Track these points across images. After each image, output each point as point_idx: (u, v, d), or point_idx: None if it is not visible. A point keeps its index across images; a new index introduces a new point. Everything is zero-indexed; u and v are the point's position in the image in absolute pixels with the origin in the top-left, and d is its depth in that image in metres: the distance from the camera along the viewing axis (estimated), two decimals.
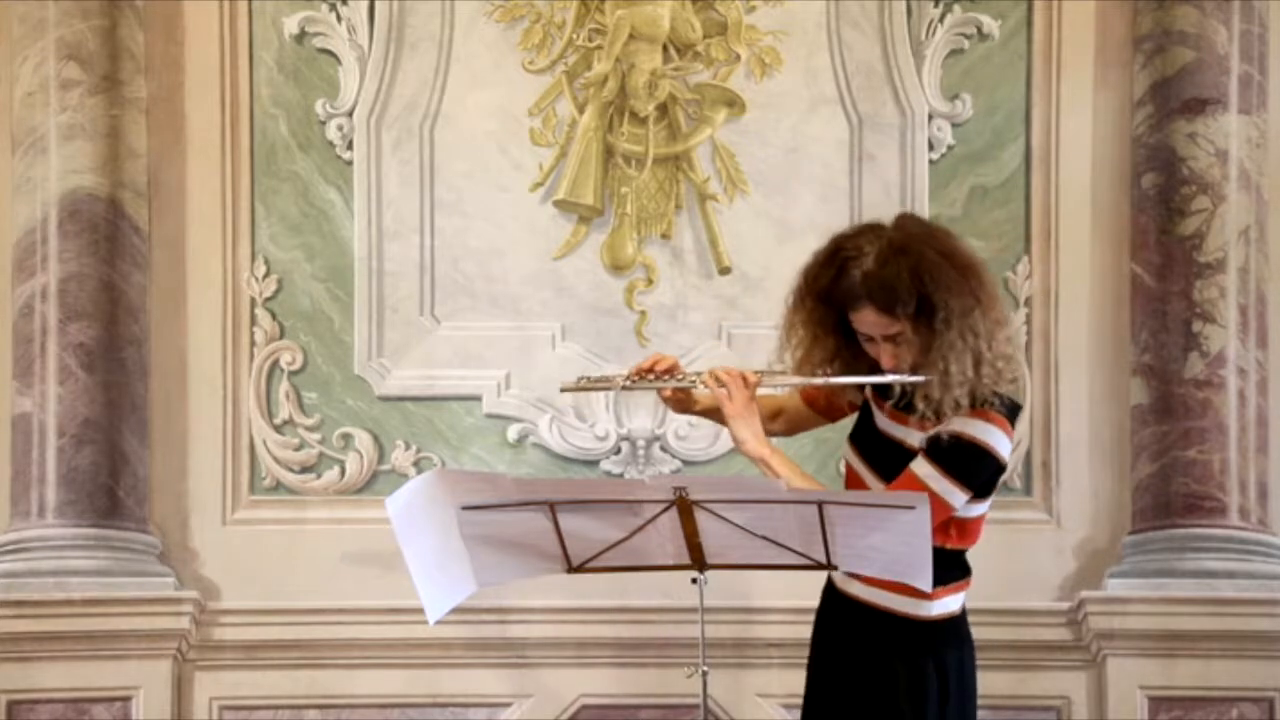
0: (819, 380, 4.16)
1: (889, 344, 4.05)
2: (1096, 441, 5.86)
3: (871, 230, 4.08)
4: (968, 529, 4.15)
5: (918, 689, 4.11)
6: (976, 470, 4.04)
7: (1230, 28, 5.74)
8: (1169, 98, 5.74)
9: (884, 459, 4.14)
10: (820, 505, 3.94)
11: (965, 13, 5.90)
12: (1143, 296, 5.77)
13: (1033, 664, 5.69)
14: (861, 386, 4.20)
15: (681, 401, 4.32)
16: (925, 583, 3.95)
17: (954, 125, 5.89)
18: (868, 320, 4.04)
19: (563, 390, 4.42)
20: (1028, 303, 5.87)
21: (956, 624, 4.18)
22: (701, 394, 4.28)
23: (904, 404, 4.10)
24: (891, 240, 4.02)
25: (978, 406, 4.02)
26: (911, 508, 3.89)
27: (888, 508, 3.91)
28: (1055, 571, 5.82)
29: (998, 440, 4.04)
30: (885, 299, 3.99)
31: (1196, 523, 5.67)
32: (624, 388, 4.27)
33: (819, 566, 4.05)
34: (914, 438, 4.09)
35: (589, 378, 4.40)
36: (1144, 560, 5.70)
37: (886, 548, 3.95)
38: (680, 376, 4.25)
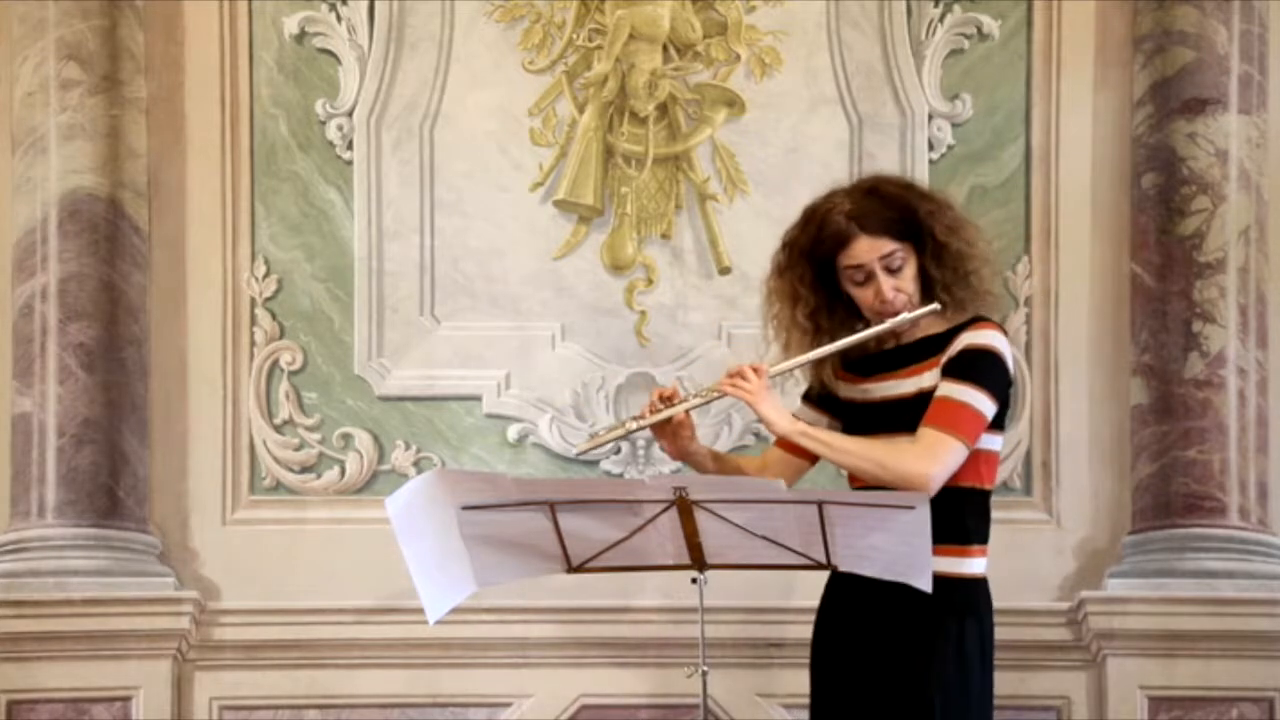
0: (828, 348, 4.16)
1: (887, 275, 4.11)
2: (1096, 441, 5.86)
3: (836, 189, 4.22)
4: (992, 463, 4.18)
5: (960, 652, 4.10)
6: (998, 376, 4.11)
7: (1230, 28, 5.74)
8: (1169, 98, 5.74)
9: (891, 420, 4.14)
10: (820, 505, 3.94)
11: (965, 13, 5.90)
12: (1143, 296, 5.77)
13: (1033, 664, 5.69)
14: (840, 404, 4.22)
15: (680, 440, 4.25)
16: (925, 583, 3.95)
17: (954, 125, 5.89)
18: (862, 251, 4.10)
19: (577, 454, 4.42)
20: (1028, 303, 5.87)
21: (987, 585, 4.20)
22: (716, 407, 4.28)
23: (908, 357, 4.13)
24: (859, 183, 4.20)
25: (975, 319, 4.13)
26: (911, 508, 3.89)
27: (888, 508, 3.92)
28: (1055, 571, 5.82)
29: (1003, 345, 4.13)
30: (880, 219, 4.09)
31: (1196, 523, 5.67)
32: (638, 429, 4.19)
33: (819, 566, 4.05)
34: (907, 385, 4.13)
35: (600, 431, 4.38)
36: (1144, 560, 5.70)
37: (886, 547, 3.95)
38: (690, 397, 4.20)
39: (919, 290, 4.14)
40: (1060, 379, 5.87)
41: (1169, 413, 5.70)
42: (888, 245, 4.10)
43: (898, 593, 4.02)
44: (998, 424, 4.17)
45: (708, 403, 4.23)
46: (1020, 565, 5.71)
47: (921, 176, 5.84)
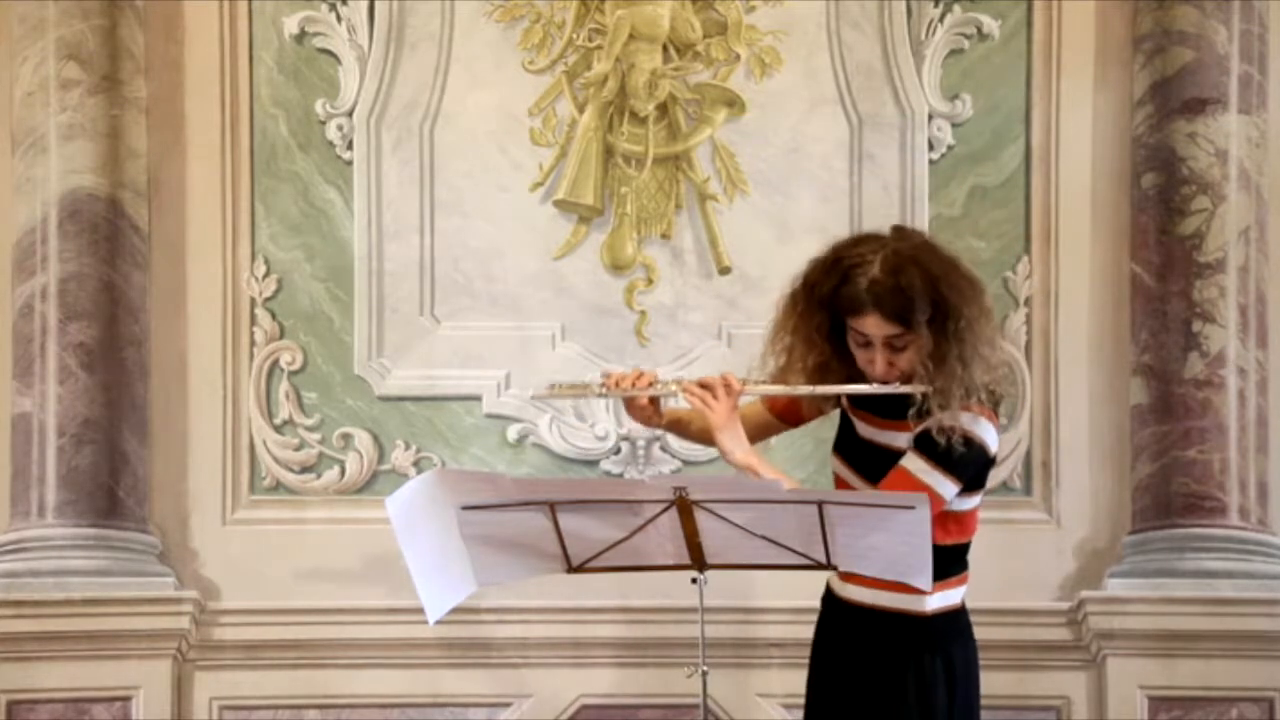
0: (804, 390, 4.14)
1: (887, 350, 4.06)
2: (1096, 441, 5.86)
3: (872, 239, 4.11)
4: (964, 522, 4.15)
5: (924, 686, 4.11)
6: (966, 461, 4.04)
7: (1230, 28, 5.74)
8: (1169, 98, 5.74)
9: (871, 465, 4.14)
10: (820, 505, 3.94)
11: (965, 13, 5.90)
12: (1143, 296, 5.77)
13: (1033, 664, 5.69)
14: (836, 398, 4.21)
15: (645, 411, 4.28)
16: (925, 582, 3.96)
17: (954, 125, 5.89)
18: (870, 325, 4.04)
19: (533, 397, 4.42)
20: (1028, 303, 5.87)
21: (957, 618, 4.19)
22: (695, 418, 4.27)
23: (894, 410, 4.10)
24: (898, 249, 4.05)
25: (975, 401, 4.05)
26: (911, 508, 3.89)
27: (887, 508, 3.91)
28: (1055, 571, 5.82)
29: (985, 431, 4.06)
30: (896, 305, 4.00)
31: (1196, 523, 5.67)
32: (599, 395, 4.26)
33: (819, 566, 4.05)
34: (901, 440, 4.10)
35: (563, 384, 4.40)
36: (1144, 560, 5.70)
37: (886, 547, 3.95)
38: (659, 385, 4.22)
39: (931, 361, 4.05)
40: (1060, 379, 5.87)
41: (1169, 413, 5.70)
42: (896, 330, 4.04)
43: (873, 623, 4.10)
44: (976, 485, 4.13)
45: (669, 395, 4.23)
46: (1020, 565, 5.71)
47: (921, 176, 5.85)
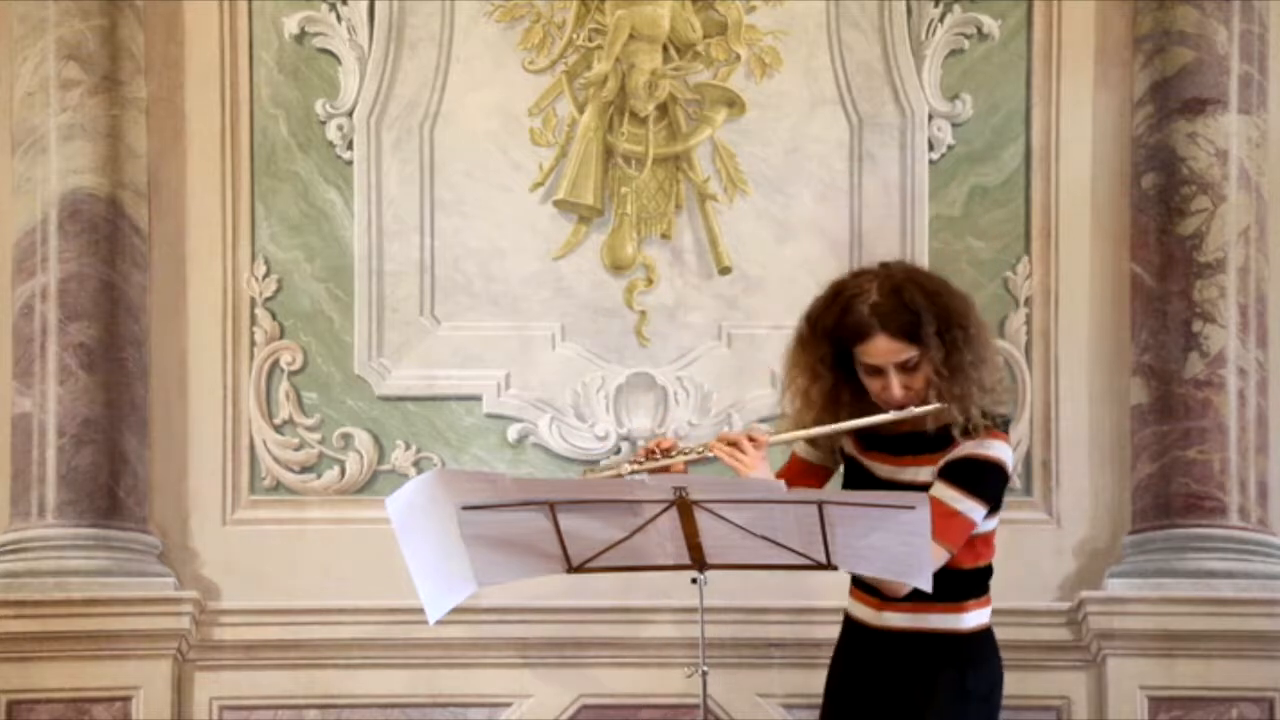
0: (827, 429, 4.18)
1: (900, 373, 4.11)
2: (1096, 441, 5.86)
3: (867, 271, 4.21)
4: (991, 544, 4.23)
5: (961, 700, 4.16)
6: (993, 485, 4.14)
7: (1230, 28, 5.73)
8: (1169, 98, 5.74)
9: None
10: (820, 505, 3.94)
11: (965, 13, 5.90)
12: (1143, 296, 5.77)
13: (1033, 664, 5.69)
14: (842, 449, 4.27)
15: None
16: (925, 582, 3.96)
17: (954, 125, 5.89)
18: (879, 349, 4.10)
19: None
20: (1028, 303, 5.87)
21: (990, 636, 4.25)
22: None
23: (913, 447, 4.15)
24: (892, 274, 4.16)
25: (985, 426, 4.14)
26: (911, 508, 3.89)
27: (887, 508, 3.92)
28: (1055, 571, 5.82)
29: (1005, 454, 4.16)
30: (902, 322, 4.08)
31: (1196, 523, 5.67)
32: (633, 474, 4.19)
33: (819, 566, 4.05)
34: (925, 474, 4.15)
35: (595, 469, 4.38)
36: (1144, 560, 5.70)
37: (886, 547, 3.95)
38: (686, 450, 4.23)
39: (928, 386, 4.13)
40: (1060, 379, 5.87)
41: (1169, 413, 5.70)
42: (907, 352, 4.10)
43: (914, 647, 4.15)
44: (997, 506, 4.19)
45: (700, 459, 4.23)
46: (1020, 565, 5.70)
47: (921, 176, 5.85)
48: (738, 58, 5.89)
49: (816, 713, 4.34)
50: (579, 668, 5.75)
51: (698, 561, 4.08)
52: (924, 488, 4.12)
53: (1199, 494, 5.67)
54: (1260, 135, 5.77)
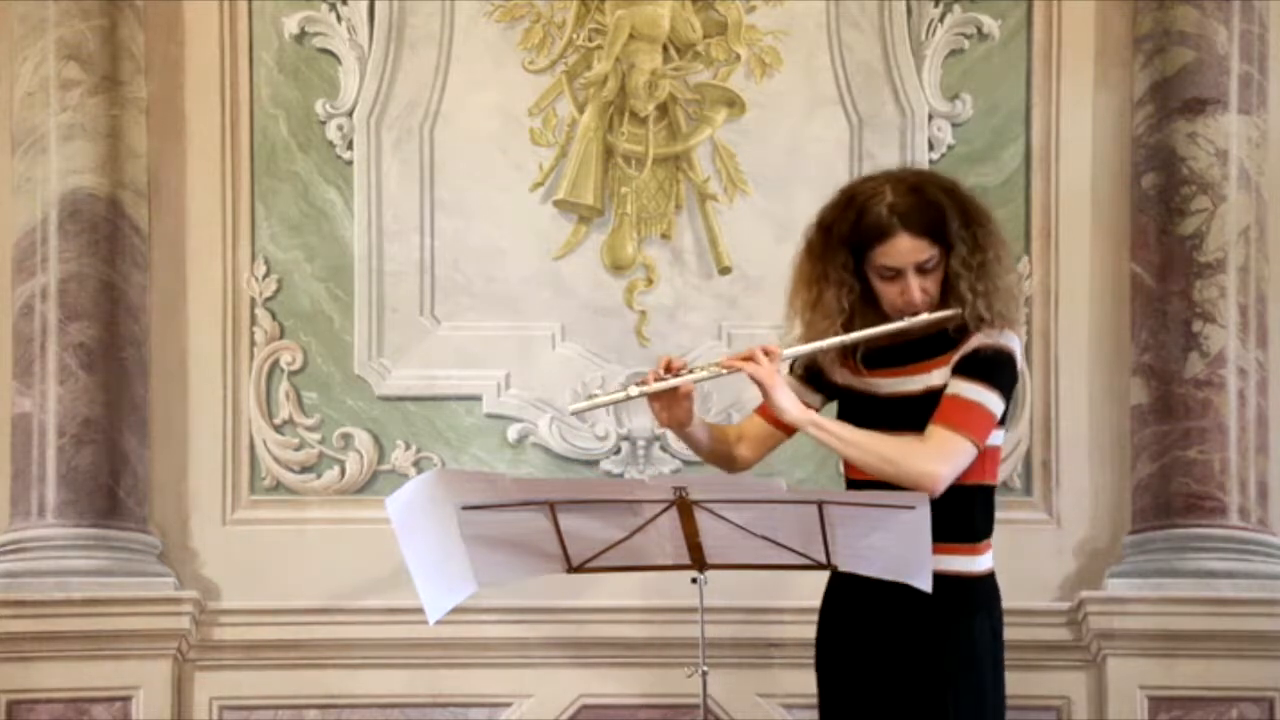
0: (845, 338, 4.09)
1: (918, 275, 4.05)
2: (1096, 441, 5.87)
3: (876, 175, 4.14)
4: (996, 459, 4.16)
5: (972, 645, 4.09)
6: (1009, 376, 4.07)
7: (1230, 28, 5.74)
8: (1169, 98, 5.74)
9: (907, 417, 4.09)
10: (820, 505, 3.94)
11: (965, 13, 5.90)
12: (1143, 296, 5.78)
13: (1033, 664, 5.69)
14: (834, 383, 4.18)
15: (678, 413, 4.16)
16: (925, 583, 3.95)
17: (954, 125, 5.89)
18: (900, 250, 4.03)
19: (573, 411, 4.36)
20: (1028, 303, 5.87)
21: (995, 580, 4.18)
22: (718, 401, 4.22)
23: (920, 352, 4.09)
24: (904, 176, 4.11)
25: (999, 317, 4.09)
26: (911, 508, 3.89)
27: (888, 508, 3.91)
28: (1055, 571, 5.82)
29: (1016, 345, 4.10)
30: (925, 220, 4.02)
31: (1196, 523, 5.67)
32: (638, 395, 4.09)
33: (819, 566, 4.05)
34: (937, 377, 4.08)
35: (601, 395, 4.32)
36: (1144, 560, 5.70)
37: (886, 547, 3.95)
38: (697, 369, 4.12)
39: (956, 273, 4.07)
40: (1060, 379, 5.88)
41: (1169, 413, 5.70)
42: (928, 251, 4.04)
43: (905, 592, 4.00)
44: (1001, 421, 4.14)
45: (714, 377, 4.12)
46: (1020, 565, 5.69)
47: None
48: (738, 58, 5.89)
49: (817, 713, 4.32)
50: (579, 668, 5.75)
51: (698, 561, 4.08)
52: (937, 392, 4.06)
53: (1199, 494, 5.67)
54: (1260, 135, 5.77)
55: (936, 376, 4.09)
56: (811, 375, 4.25)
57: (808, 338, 4.14)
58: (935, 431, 4.03)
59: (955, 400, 4.03)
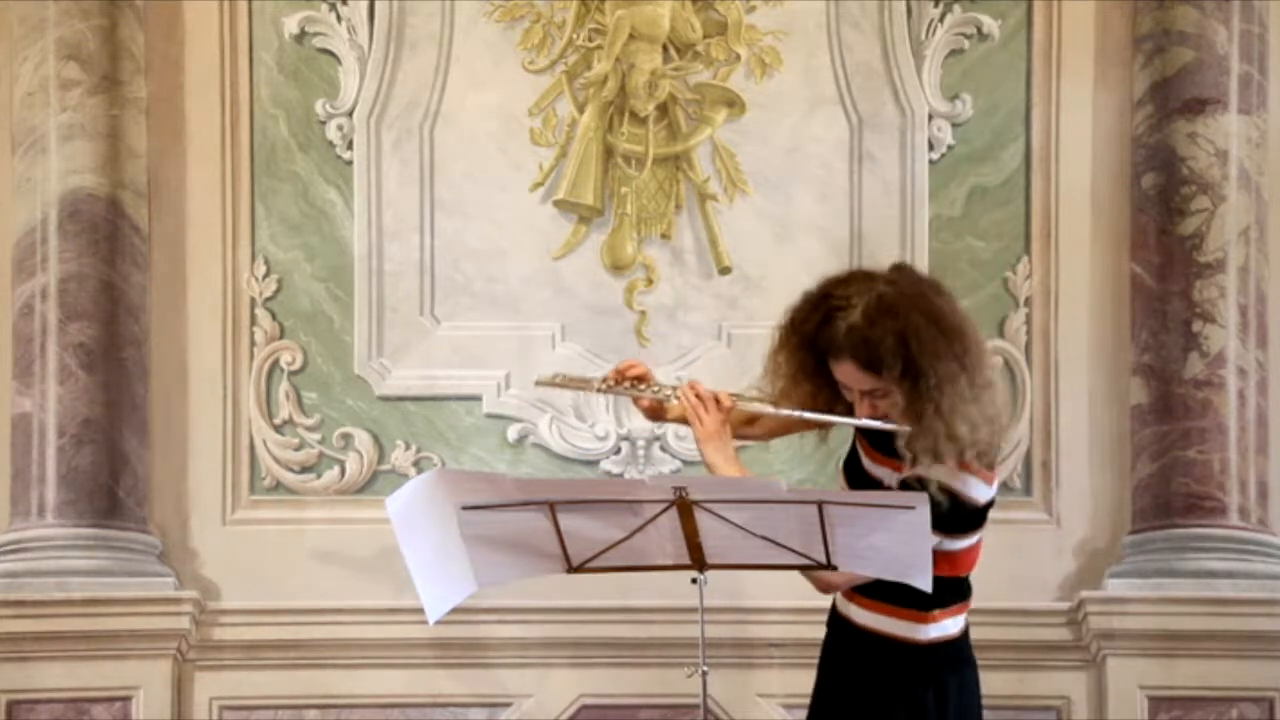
0: (796, 414, 4.10)
1: (866, 398, 4.02)
2: (1096, 441, 5.87)
3: (864, 280, 4.01)
4: (957, 560, 4.10)
5: (920, 715, 4.09)
6: (950, 515, 3.97)
7: (1230, 28, 5.74)
8: (1169, 98, 5.74)
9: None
10: (820, 505, 3.94)
11: (965, 13, 5.90)
12: (1143, 296, 5.78)
13: (1033, 664, 5.69)
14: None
15: (654, 410, 4.31)
16: (925, 583, 3.94)
17: (954, 125, 5.89)
18: (847, 373, 4.00)
19: (537, 384, 4.44)
20: (1028, 303, 5.87)
21: (957, 646, 4.15)
22: (673, 407, 4.26)
23: (885, 447, 4.08)
24: (881, 296, 3.95)
25: (960, 460, 3.97)
26: (911, 508, 3.89)
27: (888, 508, 3.91)
28: (1055, 571, 5.82)
29: (966, 484, 3.99)
30: (868, 357, 3.94)
31: (1196, 523, 5.67)
32: (599, 390, 4.28)
33: (819, 566, 4.05)
34: (891, 480, 4.07)
35: (565, 375, 4.40)
36: (1144, 560, 5.70)
37: (886, 548, 3.95)
38: (656, 387, 4.25)
39: (906, 414, 3.95)
40: (1060, 379, 5.88)
41: (1169, 413, 5.70)
42: (873, 383, 3.97)
43: (871, 648, 4.08)
44: (967, 529, 4.04)
45: (665, 400, 4.23)
46: (1020, 565, 5.71)
47: (921, 176, 5.85)
48: (738, 58, 5.89)
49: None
50: (579, 668, 5.75)
51: (698, 561, 4.08)
52: (862, 481, 4.08)
53: (1199, 494, 5.67)
54: (1260, 135, 5.77)
55: (892, 480, 4.06)
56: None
57: (772, 403, 4.15)
58: None
59: None
